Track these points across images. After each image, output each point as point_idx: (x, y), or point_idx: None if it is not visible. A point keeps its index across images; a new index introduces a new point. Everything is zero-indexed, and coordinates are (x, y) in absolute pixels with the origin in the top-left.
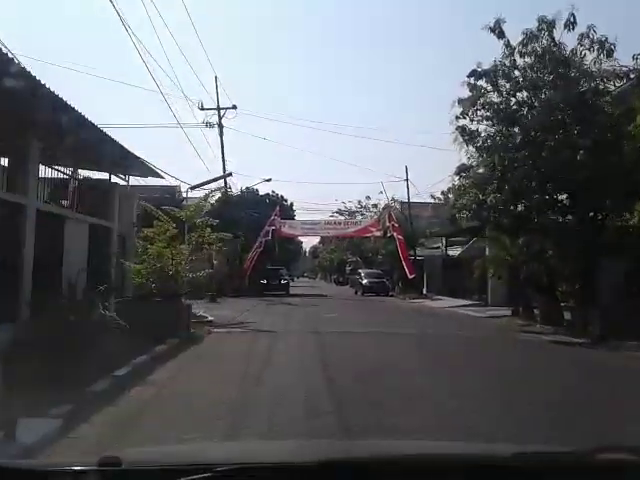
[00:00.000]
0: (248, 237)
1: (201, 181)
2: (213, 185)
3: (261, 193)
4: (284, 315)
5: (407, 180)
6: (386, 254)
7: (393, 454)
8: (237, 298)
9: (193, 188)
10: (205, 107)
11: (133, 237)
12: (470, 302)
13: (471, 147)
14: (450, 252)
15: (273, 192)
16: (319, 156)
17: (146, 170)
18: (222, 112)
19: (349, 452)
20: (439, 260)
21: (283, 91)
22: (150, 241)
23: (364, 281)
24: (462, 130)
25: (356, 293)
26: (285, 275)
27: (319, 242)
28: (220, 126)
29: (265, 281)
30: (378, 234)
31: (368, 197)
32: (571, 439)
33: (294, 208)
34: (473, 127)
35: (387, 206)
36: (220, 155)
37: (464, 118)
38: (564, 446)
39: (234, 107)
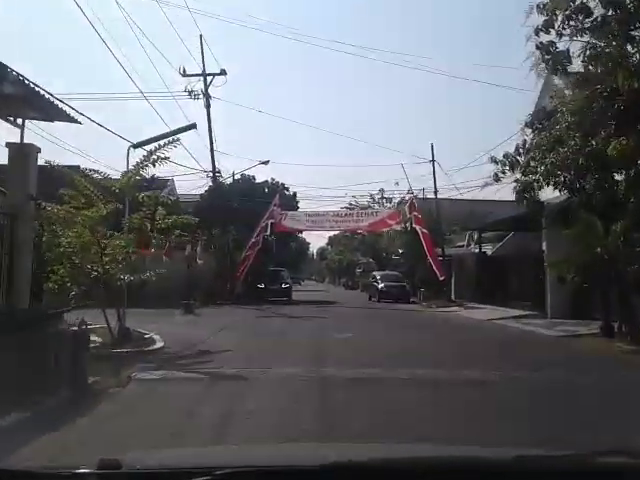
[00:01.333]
0: (242, 232)
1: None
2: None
3: (259, 180)
4: (277, 336)
5: (433, 161)
6: (406, 252)
7: (393, 457)
8: (226, 306)
9: (137, 146)
10: (188, 73)
11: (29, 218)
12: (520, 312)
13: (557, 78)
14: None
15: (273, 179)
16: (328, 135)
17: (50, 110)
18: (209, 79)
19: (349, 455)
20: (471, 259)
21: (283, 58)
22: (60, 223)
23: (380, 285)
24: (545, 50)
25: (370, 299)
26: (287, 278)
27: (327, 243)
28: (206, 96)
29: (262, 285)
30: (398, 227)
31: (381, 190)
32: None
33: (297, 199)
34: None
35: (408, 196)
36: (206, 134)
37: (547, 32)
38: (564, 450)
39: (223, 73)
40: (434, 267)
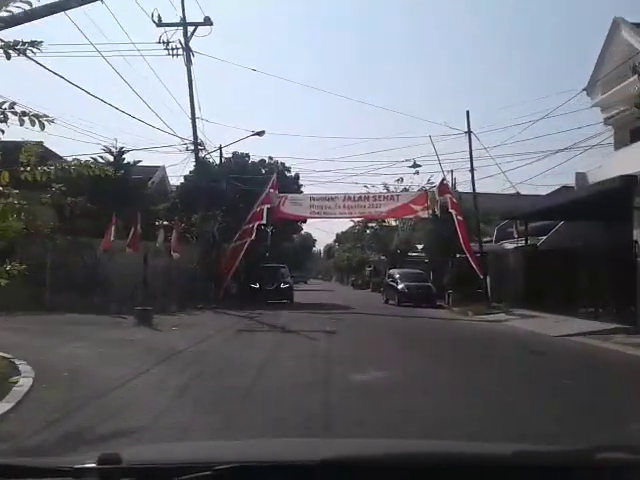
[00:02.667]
0: (233, 219)
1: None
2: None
3: (254, 159)
4: (252, 379)
5: (469, 132)
6: (429, 246)
7: (394, 453)
8: (207, 312)
9: None
10: (164, 22)
11: None
12: (599, 325)
13: None
14: (508, 244)
15: (271, 158)
16: (336, 100)
17: None
18: (190, 30)
19: (349, 451)
20: (514, 255)
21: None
22: None
23: (400, 285)
24: None
25: (387, 302)
26: (287, 276)
27: (334, 240)
28: (186, 50)
29: (257, 285)
30: (425, 214)
31: (400, 179)
32: None
33: (300, 182)
34: None
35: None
36: (187, 96)
37: None
38: (564, 445)
39: (207, 22)
40: (472, 263)
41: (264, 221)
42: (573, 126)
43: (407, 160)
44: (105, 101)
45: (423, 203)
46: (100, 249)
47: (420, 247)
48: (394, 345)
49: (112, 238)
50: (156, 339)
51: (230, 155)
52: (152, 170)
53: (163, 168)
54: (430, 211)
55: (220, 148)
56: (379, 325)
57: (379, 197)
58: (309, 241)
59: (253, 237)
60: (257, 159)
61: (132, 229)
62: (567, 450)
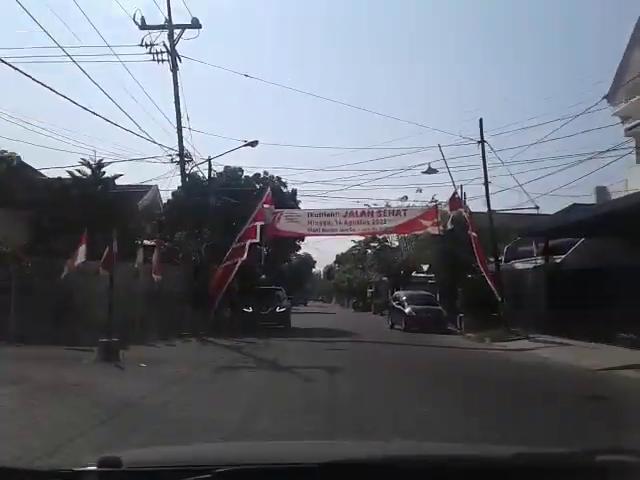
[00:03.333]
0: (224, 238)
1: None
2: None
3: (248, 173)
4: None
5: (482, 142)
6: (438, 266)
7: (393, 455)
8: (192, 342)
9: None
10: (149, 24)
11: None
12: None
13: None
14: (519, 264)
15: (266, 173)
16: (338, 107)
17: None
18: (176, 33)
19: (349, 453)
20: (534, 275)
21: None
22: None
23: (407, 309)
24: None
25: (392, 327)
26: (283, 299)
27: (335, 262)
28: (172, 55)
29: (250, 309)
30: (435, 230)
31: (405, 197)
32: None
33: (298, 198)
34: None
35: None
36: (172, 108)
37: None
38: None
39: (195, 25)
40: (490, 284)
41: (257, 239)
42: (591, 137)
43: (421, 165)
44: (89, 109)
45: (433, 218)
46: (65, 271)
47: (425, 267)
48: (417, 391)
49: (83, 259)
50: (109, 384)
51: (222, 169)
52: (143, 191)
53: (155, 188)
54: (441, 227)
55: (209, 160)
56: (390, 358)
57: (384, 212)
58: (308, 262)
59: (245, 257)
60: (251, 174)
61: (107, 248)
62: (567, 452)
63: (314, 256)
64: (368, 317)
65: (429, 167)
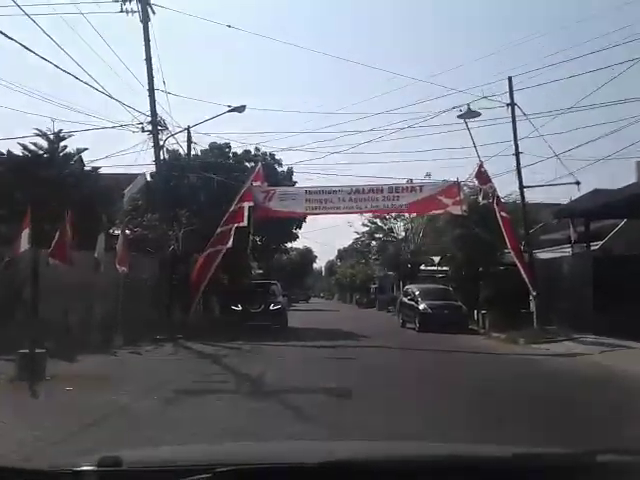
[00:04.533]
0: (207, 222)
1: None
2: None
3: (236, 149)
4: None
5: (512, 104)
6: (456, 255)
7: (393, 455)
8: (166, 347)
9: None
10: None
11: None
12: None
13: None
14: (542, 253)
15: (257, 150)
16: (343, 65)
17: None
18: None
19: (348, 453)
20: (572, 263)
21: None
22: None
23: (421, 305)
24: None
25: (403, 325)
26: (278, 295)
27: (336, 257)
28: (142, 1)
29: (239, 307)
30: (457, 211)
31: (428, 174)
32: None
33: (295, 179)
34: None
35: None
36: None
37: None
38: (564, 447)
39: None
40: (524, 275)
41: (245, 223)
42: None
43: (455, 108)
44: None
45: (455, 196)
46: (7, 257)
47: (436, 259)
48: (474, 434)
49: (27, 246)
50: None
51: (206, 147)
52: (130, 178)
53: (143, 176)
54: (464, 207)
55: (188, 129)
56: (413, 374)
57: (397, 188)
58: (309, 256)
59: (229, 244)
60: (240, 150)
61: (57, 233)
62: (567, 452)
63: (315, 251)
64: (373, 314)
65: (468, 108)
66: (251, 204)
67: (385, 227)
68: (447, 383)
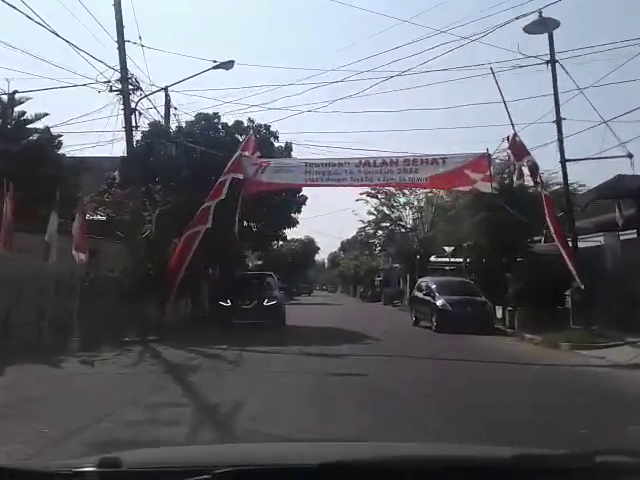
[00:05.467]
0: (191, 200)
1: None
2: None
3: (225, 120)
4: None
5: (553, 61)
6: (481, 240)
7: (393, 456)
8: (136, 350)
9: None
10: None
11: None
12: None
13: None
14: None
15: (251, 121)
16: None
17: None
18: None
19: (350, 454)
20: (621, 250)
21: None
22: None
23: (439, 301)
24: None
25: (416, 323)
26: (274, 288)
27: (340, 248)
28: None
29: (228, 302)
30: (485, 188)
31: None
32: None
33: (294, 154)
34: None
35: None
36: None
37: None
38: (565, 448)
39: None
40: (569, 264)
41: (223, 196)
42: None
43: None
44: None
45: (484, 170)
46: None
47: (449, 249)
48: None
49: None
50: None
51: (192, 118)
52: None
53: None
54: (495, 184)
55: (166, 89)
56: (445, 398)
57: (415, 160)
58: (311, 247)
59: (209, 224)
60: (231, 122)
61: None
62: (567, 453)
63: (318, 242)
64: (380, 309)
65: (540, 14)
66: (240, 176)
67: (393, 215)
68: (508, 423)
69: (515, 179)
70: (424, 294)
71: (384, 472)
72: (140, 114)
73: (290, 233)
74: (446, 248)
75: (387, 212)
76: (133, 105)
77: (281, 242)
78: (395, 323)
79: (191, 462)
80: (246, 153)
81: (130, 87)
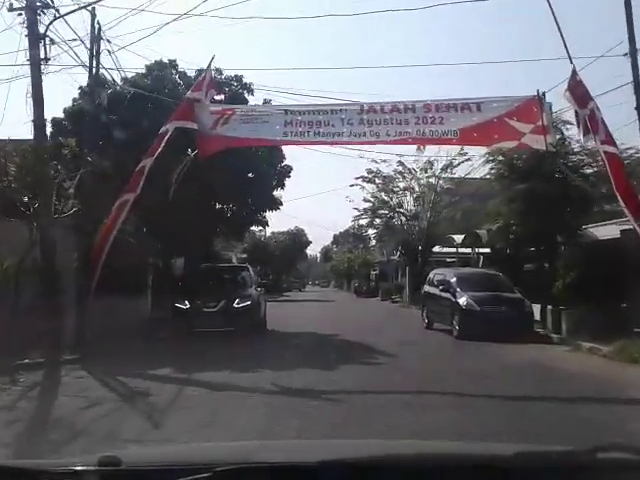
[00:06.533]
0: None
1: None
2: None
3: (189, 69)
4: None
5: None
6: (508, 223)
7: (393, 454)
8: (28, 380)
9: None
10: None
11: None
12: None
13: None
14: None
15: (219, 72)
16: None
17: None
18: None
19: (349, 452)
20: None
21: None
22: None
23: (462, 299)
24: None
25: (430, 325)
26: (250, 286)
27: (332, 242)
28: None
29: (186, 304)
30: (539, 144)
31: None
32: None
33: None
34: None
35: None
36: None
37: None
38: (565, 446)
39: None
40: None
41: (160, 149)
42: None
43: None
44: None
45: (536, 120)
46: None
47: (459, 238)
48: None
49: None
50: None
51: (143, 69)
52: None
53: None
54: (550, 138)
55: (92, 7)
56: None
57: (439, 106)
58: (301, 238)
59: (138, 191)
60: (193, 72)
61: None
62: (569, 450)
63: (309, 235)
64: (378, 306)
65: None
66: (191, 125)
67: (392, 202)
68: None
69: (581, 135)
70: (441, 290)
71: (384, 470)
72: (53, 43)
73: (274, 220)
74: (455, 237)
75: (386, 198)
76: (42, 30)
77: (260, 228)
78: (402, 326)
79: (191, 460)
80: (197, 94)
81: (38, 3)
